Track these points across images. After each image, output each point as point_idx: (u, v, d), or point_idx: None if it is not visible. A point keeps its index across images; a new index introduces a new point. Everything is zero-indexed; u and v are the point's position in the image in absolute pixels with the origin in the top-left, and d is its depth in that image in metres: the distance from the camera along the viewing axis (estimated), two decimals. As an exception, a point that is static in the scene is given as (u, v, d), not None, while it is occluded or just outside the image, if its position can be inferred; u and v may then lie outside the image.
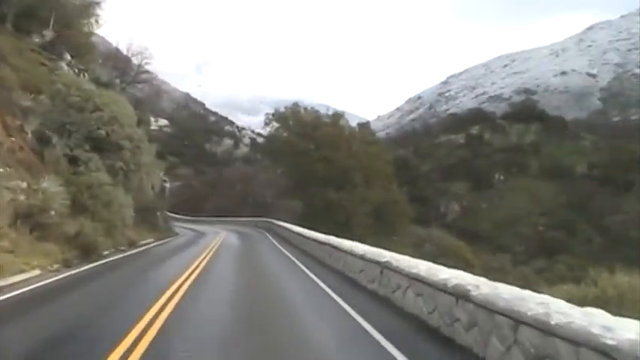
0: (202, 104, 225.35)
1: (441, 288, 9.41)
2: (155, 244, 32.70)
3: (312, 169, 65.04)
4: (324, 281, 16.93)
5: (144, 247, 28.89)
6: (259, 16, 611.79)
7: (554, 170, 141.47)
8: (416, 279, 10.76)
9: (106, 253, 22.35)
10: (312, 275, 18.81)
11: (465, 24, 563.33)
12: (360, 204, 64.14)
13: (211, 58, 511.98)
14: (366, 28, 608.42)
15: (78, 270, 17.32)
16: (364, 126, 79.62)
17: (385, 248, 17.42)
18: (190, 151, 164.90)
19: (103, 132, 28.84)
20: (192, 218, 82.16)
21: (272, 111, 75.66)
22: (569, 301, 7.28)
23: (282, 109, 75.37)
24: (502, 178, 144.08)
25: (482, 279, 9.03)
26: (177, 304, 11.25)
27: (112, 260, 21.31)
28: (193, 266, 19.02)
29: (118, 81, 52.99)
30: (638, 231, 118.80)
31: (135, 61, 56.44)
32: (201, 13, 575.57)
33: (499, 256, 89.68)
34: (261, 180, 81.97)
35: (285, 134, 72.62)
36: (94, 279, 16.42)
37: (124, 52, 57.09)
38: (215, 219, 78.56)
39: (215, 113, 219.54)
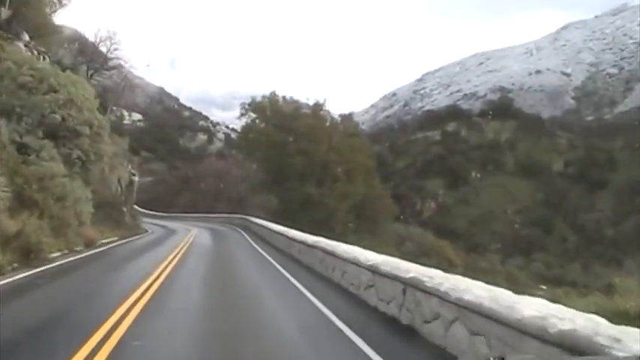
0: (176, 99, 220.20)
1: (529, 332, 5.90)
2: (117, 243, 28.78)
3: (290, 163, 59.88)
4: (317, 297, 13.20)
5: (103, 248, 25.00)
6: (233, 12, 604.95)
7: (530, 168, 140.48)
8: (473, 310, 7.19)
9: (55, 255, 18.76)
10: (309, 294, 14.20)
11: (439, 21, 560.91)
12: (341, 200, 59.78)
13: (185, 53, 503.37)
14: (341, 25, 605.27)
15: (11, 279, 13.67)
16: (346, 117, 73.90)
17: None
18: (164, 146, 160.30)
19: (57, 116, 25.09)
20: (164, 214, 78.18)
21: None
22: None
23: (259, 99, 68.97)
24: (478, 175, 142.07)
25: (602, 320, 5.58)
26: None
27: (59, 265, 17.54)
28: (153, 276, 15.20)
29: (85, 67, 49.09)
30: (612, 229, 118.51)
31: (103, 47, 52.38)
32: (174, 7, 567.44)
33: (488, 255, 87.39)
34: (235, 175, 78.16)
35: (262, 125, 66.78)
36: (26, 292, 12.68)
37: (92, 39, 52.99)
38: (187, 215, 74.53)
39: (189, 108, 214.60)
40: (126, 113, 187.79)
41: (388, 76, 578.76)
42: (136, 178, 48.33)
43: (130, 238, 33.71)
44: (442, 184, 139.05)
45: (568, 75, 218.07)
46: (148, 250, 26.19)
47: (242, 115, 67.52)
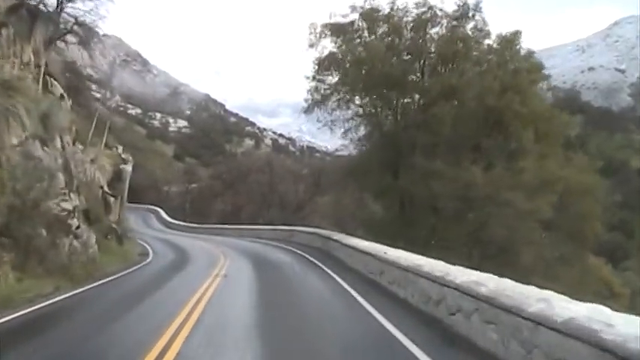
0: (222, 105, 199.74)
1: None
2: None
3: (427, 117, 27.35)
4: None
5: None
6: (278, 20, 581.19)
7: (605, 166, 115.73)
8: None
9: None
10: None
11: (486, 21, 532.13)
12: (534, 194, 25.73)
13: (230, 62, 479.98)
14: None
15: None
16: (512, 41, 31.10)
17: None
18: (210, 152, 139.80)
19: None
20: (195, 225, 54.18)
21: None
22: None
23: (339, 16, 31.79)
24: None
25: None
26: None
27: None
28: None
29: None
30: None
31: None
32: (220, 16, 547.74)
33: None
34: (293, 170, 54.86)
35: (357, 51, 30.39)
36: None
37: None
38: (225, 227, 50.22)
39: (235, 114, 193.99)
40: (171, 120, 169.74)
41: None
42: (129, 168, 25.58)
43: (31, 308, 10.96)
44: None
45: (622, 71, 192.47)
46: None
47: (311, 46, 32.06)
